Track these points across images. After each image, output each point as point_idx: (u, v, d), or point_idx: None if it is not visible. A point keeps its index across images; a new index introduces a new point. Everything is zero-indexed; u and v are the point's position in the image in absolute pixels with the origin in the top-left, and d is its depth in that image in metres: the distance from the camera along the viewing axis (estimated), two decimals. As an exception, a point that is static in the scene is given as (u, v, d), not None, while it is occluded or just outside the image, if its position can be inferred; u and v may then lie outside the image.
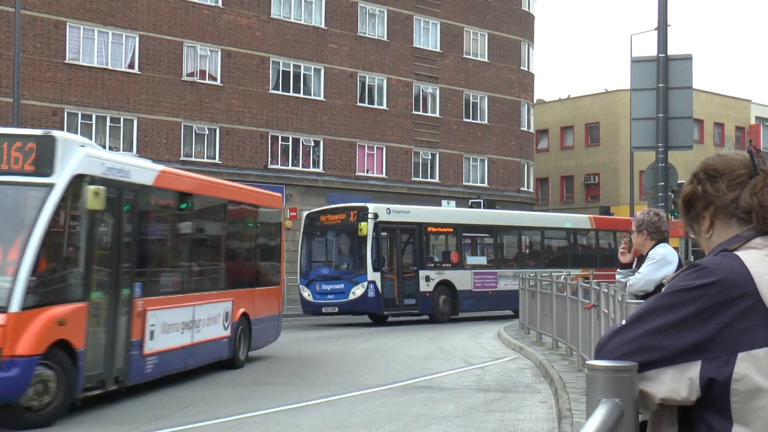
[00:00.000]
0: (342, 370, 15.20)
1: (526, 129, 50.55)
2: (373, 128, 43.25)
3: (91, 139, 34.13)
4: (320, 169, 41.16)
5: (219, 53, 38.03)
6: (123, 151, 34.92)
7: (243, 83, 38.60)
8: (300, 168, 40.40)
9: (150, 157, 34.98)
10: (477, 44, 48.18)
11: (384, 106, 43.80)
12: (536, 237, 32.28)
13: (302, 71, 40.80)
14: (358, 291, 25.15)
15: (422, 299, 26.48)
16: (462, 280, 27.85)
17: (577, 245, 33.92)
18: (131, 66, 35.67)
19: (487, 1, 48.63)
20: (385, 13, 44.05)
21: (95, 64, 34.66)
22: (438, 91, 46.11)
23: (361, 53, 42.89)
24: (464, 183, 46.93)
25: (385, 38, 44.05)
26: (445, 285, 27.27)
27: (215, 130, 37.83)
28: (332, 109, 41.66)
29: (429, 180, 45.54)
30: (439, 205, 45.23)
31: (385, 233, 26.21)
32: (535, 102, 53.59)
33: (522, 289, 23.08)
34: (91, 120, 34.46)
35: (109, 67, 35.03)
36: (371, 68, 43.26)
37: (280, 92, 39.92)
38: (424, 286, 26.60)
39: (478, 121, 47.97)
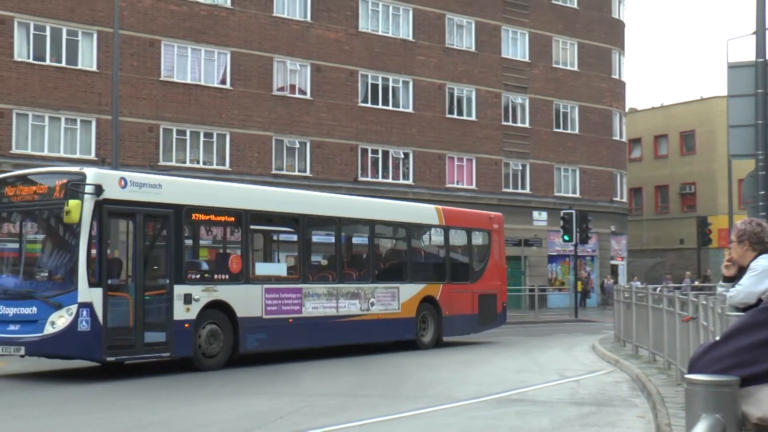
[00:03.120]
0: (435, 382, 15.17)
1: (618, 138, 49.87)
2: (462, 140, 43.16)
3: (185, 153, 34.95)
4: (410, 181, 41.22)
5: (308, 67, 38.43)
6: (216, 164, 35.55)
7: (332, 97, 38.93)
8: (390, 180, 40.53)
9: (242, 171, 35.68)
10: (566, 53, 47.75)
11: (473, 118, 43.69)
12: (362, 235, 21.78)
13: (391, 84, 40.97)
14: (60, 320, 14.65)
15: (178, 334, 15.99)
16: (246, 300, 17.48)
17: (420, 249, 23.43)
18: (223, 82, 36.32)
19: (576, 10, 48.17)
20: (473, 24, 43.97)
21: (189, 81, 35.38)
22: (527, 101, 45.80)
23: (449, 65, 42.88)
24: (556, 194, 46.48)
25: (474, 49, 43.96)
26: (218, 309, 16.93)
27: (306, 143, 38.22)
28: (421, 121, 41.72)
29: (520, 191, 45.22)
30: (531, 217, 44.95)
31: (117, 220, 16.27)
32: (627, 111, 52.80)
33: (617, 301, 22.69)
34: (185, 135, 35.16)
35: (202, 83, 35.72)
36: (460, 79, 43.21)
37: (369, 105, 40.15)
38: (182, 312, 16.10)
39: (569, 131, 47.49)
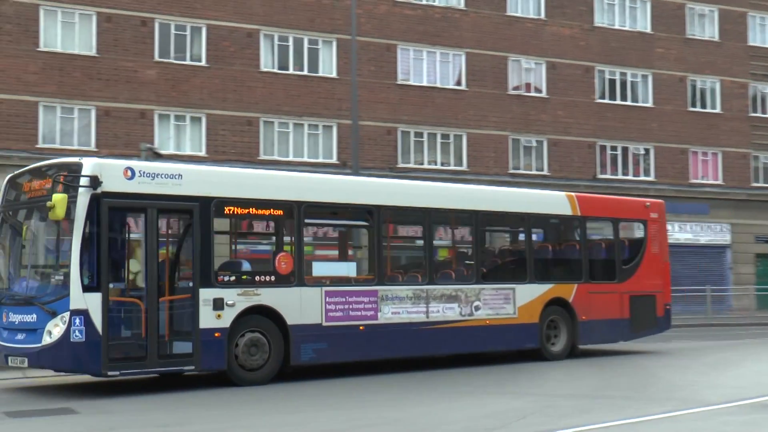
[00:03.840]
0: (683, 385, 14.57)
1: None
2: (706, 133, 41.36)
3: (423, 155, 35.45)
4: (651, 178, 39.93)
5: (543, 65, 38.03)
6: (453, 165, 35.82)
7: (568, 94, 38.32)
8: (630, 177, 39.44)
9: (479, 172, 35.76)
10: (821, 37, 44.76)
11: (717, 110, 41.77)
12: (465, 228, 18.52)
13: (629, 78, 39.87)
14: (55, 330, 13.19)
15: (205, 344, 14.13)
16: (299, 305, 15.24)
17: (546, 244, 20.04)
18: (458, 83, 36.57)
19: (831, -10, 45.07)
20: (716, 12, 42.04)
21: (425, 83, 35.87)
22: (778, 90, 43.30)
23: (690, 56, 41.22)
24: (811, 187, 43.66)
25: (717, 38, 42.02)
26: (261, 315, 14.87)
27: (542, 142, 37.83)
28: (662, 115, 40.33)
29: (771, 185, 42.83)
30: (783, 211, 42.43)
31: (124, 216, 14.31)
32: None
33: None
34: (422, 137, 35.67)
35: (438, 85, 36.12)
36: (702, 71, 41.44)
37: (606, 101, 39.24)
38: (210, 319, 14.21)
39: (826, 120, 44.49)
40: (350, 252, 18.17)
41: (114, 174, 13.56)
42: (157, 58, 31.96)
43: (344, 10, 33.41)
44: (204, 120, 32.53)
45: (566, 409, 11.83)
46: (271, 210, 15.50)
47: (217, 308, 14.24)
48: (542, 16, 38.26)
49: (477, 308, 17.57)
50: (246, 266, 15.34)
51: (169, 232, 14.90)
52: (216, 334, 14.18)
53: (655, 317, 20.84)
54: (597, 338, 19.88)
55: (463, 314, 17.30)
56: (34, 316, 13.49)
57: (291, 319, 15.02)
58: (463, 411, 11.85)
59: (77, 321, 12.98)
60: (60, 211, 13.07)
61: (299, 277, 15.27)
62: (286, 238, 15.85)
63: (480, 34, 36.94)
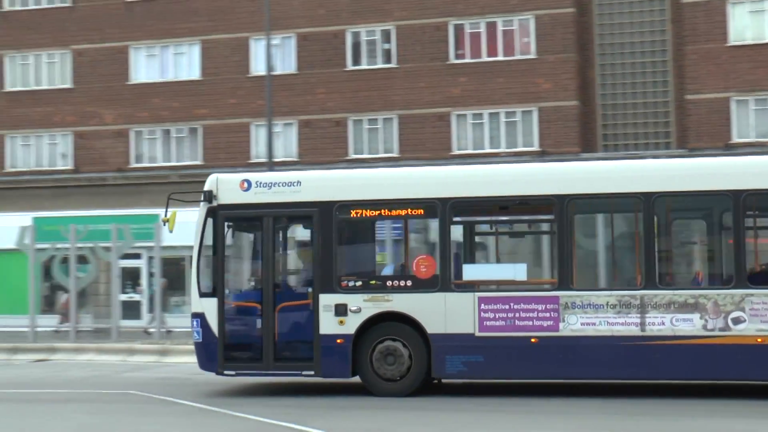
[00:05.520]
0: None
1: None
2: None
3: None
4: None
5: None
6: None
7: None
8: None
9: None
10: None
11: None
12: (713, 216, 14.40)
13: None
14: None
15: (326, 350, 14.14)
16: (443, 312, 13.90)
17: None
18: None
19: None
20: None
21: None
22: None
23: None
24: None
25: None
26: (398, 323, 14.04)
27: None
28: None
29: None
30: None
31: (241, 226, 15.32)
32: None
33: None
34: None
35: None
36: None
37: None
38: (332, 325, 14.09)
39: None
40: (520, 252, 16.36)
41: (230, 187, 14.65)
42: None
43: None
44: None
45: None
46: (408, 210, 14.55)
47: (340, 314, 14.20)
48: None
49: (737, 321, 13.20)
50: (375, 271, 15.08)
51: (287, 239, 15.44)
52: (338, 341, 14.18)
53: None
54: None
55: (710, 328, 13.20)
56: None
57: (432, 327, 14.02)
58: None
59: (195, 323, 14.55)
60: (171, 226, 14.79)
61: (443, 281, 14.08)
62: (428, 239, 15.26)
63: None
